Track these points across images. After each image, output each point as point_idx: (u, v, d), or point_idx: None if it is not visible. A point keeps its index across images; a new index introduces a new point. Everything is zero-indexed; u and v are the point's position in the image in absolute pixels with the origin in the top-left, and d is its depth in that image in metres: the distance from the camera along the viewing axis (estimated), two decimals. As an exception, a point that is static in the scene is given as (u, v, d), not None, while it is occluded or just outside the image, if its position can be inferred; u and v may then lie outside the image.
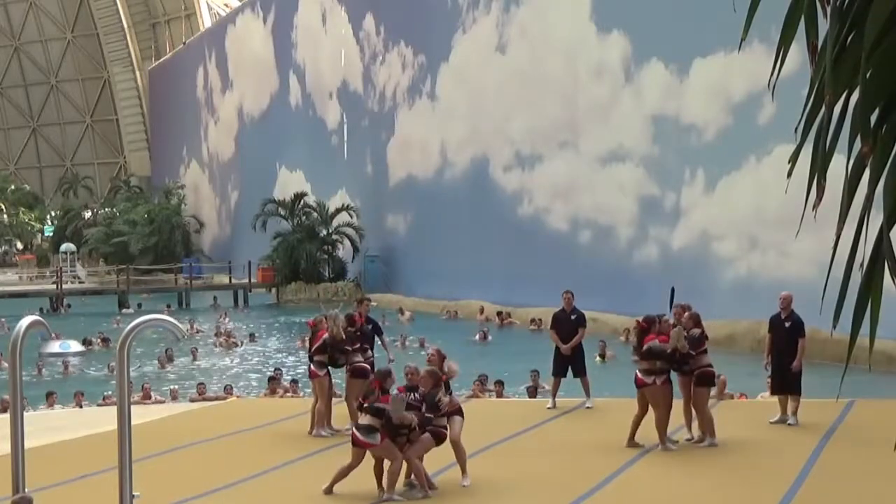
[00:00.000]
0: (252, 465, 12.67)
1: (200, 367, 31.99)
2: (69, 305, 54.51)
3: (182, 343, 29.26)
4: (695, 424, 12.97)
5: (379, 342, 14.62)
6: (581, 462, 12.30)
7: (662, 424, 12.41)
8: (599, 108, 38.48)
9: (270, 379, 23.81)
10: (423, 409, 10.81)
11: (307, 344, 25.31)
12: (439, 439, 10.93)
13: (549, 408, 15.47)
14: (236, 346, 36.29)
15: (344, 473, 10.98)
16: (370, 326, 14.54)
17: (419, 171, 50.86)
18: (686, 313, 12.82)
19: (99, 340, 36.66)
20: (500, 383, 21.01)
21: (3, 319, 42.02)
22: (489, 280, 43.50)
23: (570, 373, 15.53)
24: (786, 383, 13.75)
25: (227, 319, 44.77)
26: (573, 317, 15.56)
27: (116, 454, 7.59)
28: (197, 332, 39.26)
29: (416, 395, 10.95)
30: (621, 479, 11.51)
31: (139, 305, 50.12)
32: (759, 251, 31.39)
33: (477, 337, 35.05)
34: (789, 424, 13.61)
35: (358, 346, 13.92)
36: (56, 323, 32.41)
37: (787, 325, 13.81)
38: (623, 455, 12.37)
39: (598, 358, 26.48)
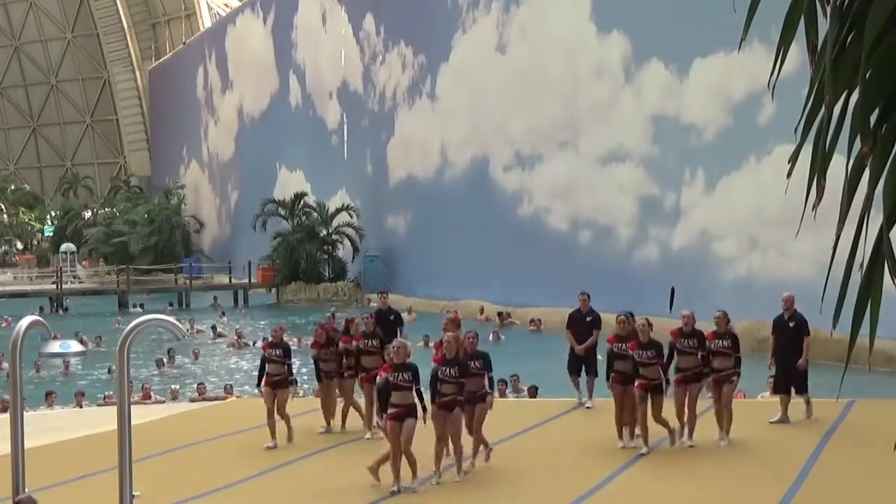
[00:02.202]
0: (252, 465, 12.68)
1: (207, 366, 32.02)
2: (66, 308, 54.18)
3: (182, 343, 29.24)
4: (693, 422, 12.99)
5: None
6: (581, 462, 12.30)
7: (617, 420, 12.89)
8: (599, 108, 38.48)
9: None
10: (458, 374, 11.38)
11: (301, 344, 25.26)
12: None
13: (580, 402, 15.50)
14: (247, 346, 36.32)
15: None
16: (392, 317, 15.02)
17: (419, 171, 50.85)
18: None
19: (95, 338, 36.68)
20: (503, 382, 21.01)
21: (8, 317, 42.11)
22: (489, 280, 43.50)
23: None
24: (791, 383, 13.87)
25: (225, 319, 44.76)
26: (589, 318, 15.62)
27: (116, 454, 7.59)
28: (197, 332, 39.29)
29: (451, 370, 11.39)
30: (621, 478, 11.51)
31: (141, 306, 50.13)
32: (759, 251, 31.39)
33: (490, 338, 35.06)
34: (807, 417, 13.85)
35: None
36: (55, 323, 32.41)
37: (790, 325, 13.91)
38: (623, 455, 12.38)
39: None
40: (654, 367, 12.50)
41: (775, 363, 14.08)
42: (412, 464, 11.17)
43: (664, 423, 12.62)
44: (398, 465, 11.08)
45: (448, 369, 11.33)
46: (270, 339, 14.46)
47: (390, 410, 11.21)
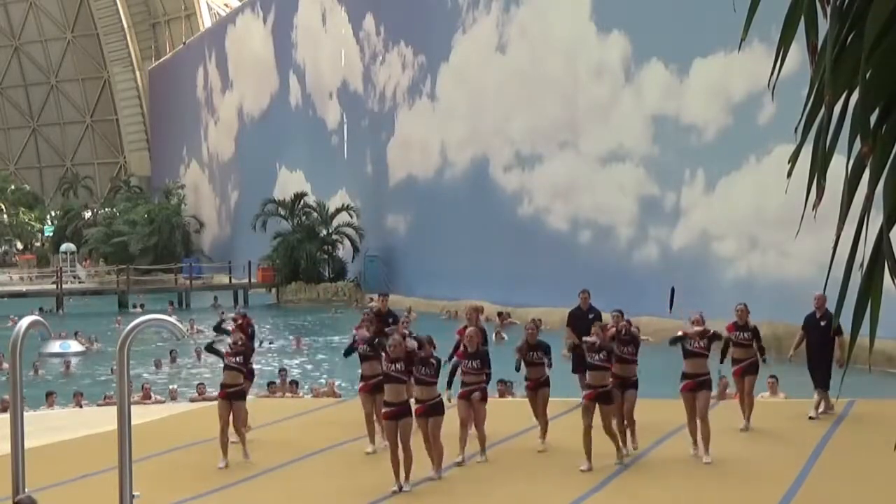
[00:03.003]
0: (252, 466, 12.67)
1: (212, 367, 31.99)
2: (54, 310, 53.84)
3: (181, 342, 29.25)
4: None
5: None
6: (581, 462, 12.28)
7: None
8: (599, 108, 38.48)
9: (270, 383, 23.85)
10: (479, 365, 12.06)
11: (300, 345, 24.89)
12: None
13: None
14: (261, 344, 36.23)
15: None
16: (391, 320, 15.14)
17: (419, 171, 50.85)
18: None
19: (89, 339, 36.60)
20: (502, 382, 20.98)
21: (15, 317, 42.08)
22: (489, 280, 43.48)
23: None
24: (821, 378, 14.18)
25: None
26: (590, 315, 15.69)
27: (116, 454, 7.59)
28: (197, 332, 39.24)
29: (473, 363, 12.09)
30: (621, 478, 11.51)
31: (141, 306, 50.07)
32: (759, 251, 31.39)
33: (493, 338, 34.98)
34: (810, 418, 13.99)
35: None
36: (55, 323, 32.40)
37: (822, 323, 14.14)
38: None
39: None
40: (604, 372, 11.70)
41: (808, 359, 14.37)
42: (409, 459, 11.18)
43: (613, 437, 11.77)
44: (398, 463, 11.09)
45: (470, 362, 12.17)
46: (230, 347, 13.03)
47: (384, 410, 11.30)
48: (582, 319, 15.72)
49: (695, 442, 12.18)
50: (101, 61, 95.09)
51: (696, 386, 12.05)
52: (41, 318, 9.49)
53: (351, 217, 55.43)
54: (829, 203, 3.32)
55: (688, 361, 12.19)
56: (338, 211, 56.06)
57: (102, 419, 15.93)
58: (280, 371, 25.71)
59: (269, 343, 37.10)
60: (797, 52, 3.43)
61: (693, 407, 12.03)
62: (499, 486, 11.38)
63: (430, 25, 49.72)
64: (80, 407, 21.64)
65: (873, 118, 3.21)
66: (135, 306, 51.28)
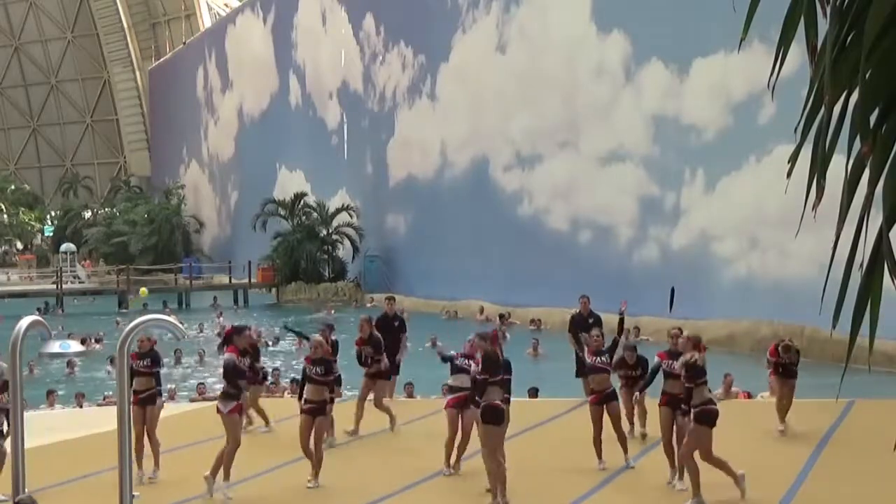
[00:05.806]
0: (252, 465, 12.66)
1: (215, 367, 32.02)
2: (63, 311, 53.91)
3: (182, 343, 29.23)
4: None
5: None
6: (581, 462, 12.29)
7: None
8: (599, 108, 38.47)
9: (271, 383, 23.86)
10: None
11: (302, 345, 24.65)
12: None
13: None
14: (266, 345, 36.18)
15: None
16: (397, 324, 15.25)
17: (419, 171, 50.85)
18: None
19: (84, 339, 36.60)
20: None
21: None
22: (489, 280, 43.48)
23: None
24: None
25: (221, 318, 44.72)
26: (591, 320, 15.71)
27: (116, 454, 7.59)
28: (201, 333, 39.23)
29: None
30: (621, 478, 11.51)
31: (144, 306, 49.99)
32: (759, 251, 31.38)
33: None
34: None
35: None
36: (53, 323, 32.36)
37: None
38: (623, 454, 12.36)
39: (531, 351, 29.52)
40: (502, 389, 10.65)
41: None
42: (320, 461, 11.58)
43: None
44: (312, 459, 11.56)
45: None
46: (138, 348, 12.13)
47: (305, 406, 11.68)
48: (583, 324, 15.74)
49: (672, 465, 11.11)
50: (101, 61, 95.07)
51: (671, 401, 11.05)
52: (41, 318, 9.50)
53: (351, 217, 55.45)
54: (829, 203, 3.32)
55: (667, 382, 11.27)
56: (338, 211, 56.07)
57: (102, 419, 15.93)
58: (273, 371, 25.73)
59: (269, 343, 37.07)
60: (797, 52, 3.43)
61: (670, 424, 11.03)
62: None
63: (430, 25, 49.71)
64: (81, 407, 21.65)
65: (873, 118, 3.22)
66: (128, 306, 51.15)
